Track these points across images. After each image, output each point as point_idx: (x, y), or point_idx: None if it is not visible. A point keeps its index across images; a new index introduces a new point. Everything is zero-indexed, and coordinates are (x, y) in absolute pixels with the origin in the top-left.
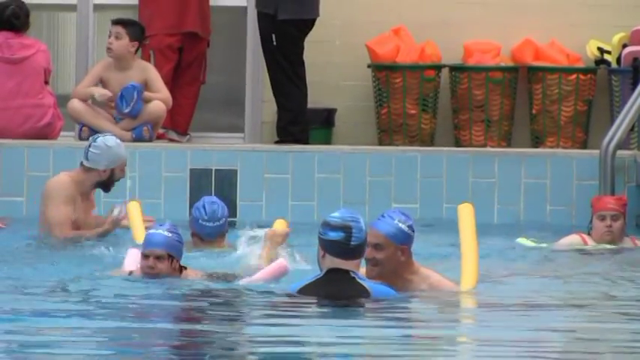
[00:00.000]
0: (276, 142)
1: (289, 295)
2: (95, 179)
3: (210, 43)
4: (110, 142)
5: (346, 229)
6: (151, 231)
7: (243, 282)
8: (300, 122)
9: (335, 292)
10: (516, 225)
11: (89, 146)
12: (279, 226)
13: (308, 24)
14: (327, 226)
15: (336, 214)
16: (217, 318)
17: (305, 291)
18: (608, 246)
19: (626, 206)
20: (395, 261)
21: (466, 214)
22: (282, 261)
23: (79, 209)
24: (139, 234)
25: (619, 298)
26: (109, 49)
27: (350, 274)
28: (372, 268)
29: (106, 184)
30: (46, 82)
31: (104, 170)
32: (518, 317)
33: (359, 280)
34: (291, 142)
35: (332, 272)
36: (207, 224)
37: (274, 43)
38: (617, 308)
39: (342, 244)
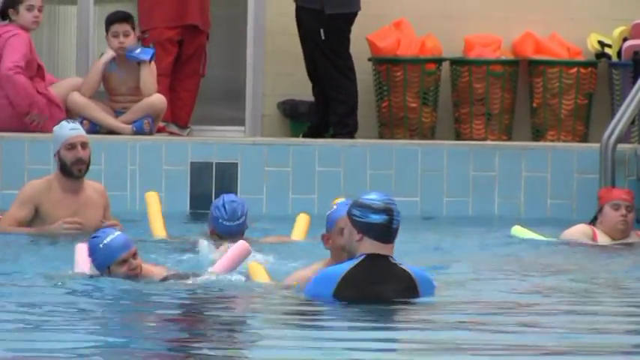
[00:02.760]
0: (333, 136)
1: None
2: (58, 168)
3: (209, 36)
4: (57, 125)
5: (389, 211)
6: (111, 237)
7: (212, 270)
8: (355, 114)
9: (382, 278)
10: (517, 218)
11: None
12: (302, 220)
13: (352, 17)
14: (368, 208)
15: (372, 196)
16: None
17: (350, 275)
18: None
19: (634, 199)
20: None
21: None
22: (243, 242)
23: (63, 208)
24: (158, 227)
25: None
26: (121, 48)
27: (391, 260)
28: (344, 254)
29: (64, 170)
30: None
31: (54, 155)
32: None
33: (401, 266)
34: (346, 136)
35: (373, 258)
36: (228, 223)
37: (322, 37)
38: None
39: (385, 226)
